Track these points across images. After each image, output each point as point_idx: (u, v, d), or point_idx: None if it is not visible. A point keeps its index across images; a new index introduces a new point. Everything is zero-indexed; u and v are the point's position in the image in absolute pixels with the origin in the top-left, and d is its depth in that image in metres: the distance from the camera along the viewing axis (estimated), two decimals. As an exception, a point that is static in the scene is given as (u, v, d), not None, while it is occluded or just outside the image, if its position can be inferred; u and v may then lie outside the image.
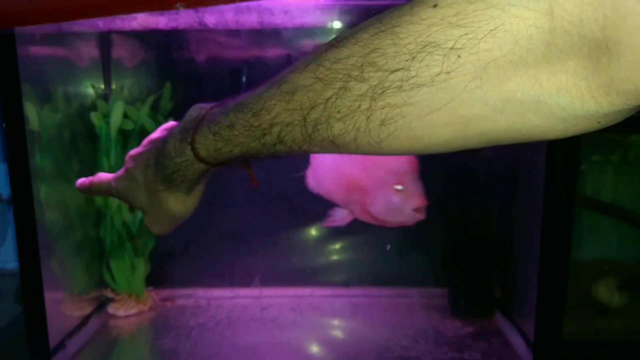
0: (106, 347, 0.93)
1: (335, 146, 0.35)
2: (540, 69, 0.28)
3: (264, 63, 1.05)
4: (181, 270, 1.12)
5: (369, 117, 0.33)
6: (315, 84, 0.34)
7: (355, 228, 1.12)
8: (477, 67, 0.29)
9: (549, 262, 0.81)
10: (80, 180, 0.53)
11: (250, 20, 0.95)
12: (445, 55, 0.29)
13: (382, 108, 0.32)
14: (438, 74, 0.30)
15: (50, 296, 0.81)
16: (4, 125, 0.75)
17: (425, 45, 0.30)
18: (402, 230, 1.12)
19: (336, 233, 1.12)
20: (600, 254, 0.96)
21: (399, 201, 0.72)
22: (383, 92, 0.32)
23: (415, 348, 0.91)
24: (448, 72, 0.30)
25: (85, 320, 0.97)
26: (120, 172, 0.50)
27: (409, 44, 0.30)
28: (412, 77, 0.30)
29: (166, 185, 0.45)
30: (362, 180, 0.75)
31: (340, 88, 0.33)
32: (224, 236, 1.10)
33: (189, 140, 0.41)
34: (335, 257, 1.13)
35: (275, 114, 0.36)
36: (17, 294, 1.02)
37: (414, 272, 1.12)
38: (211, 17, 0.90)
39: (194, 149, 0.41)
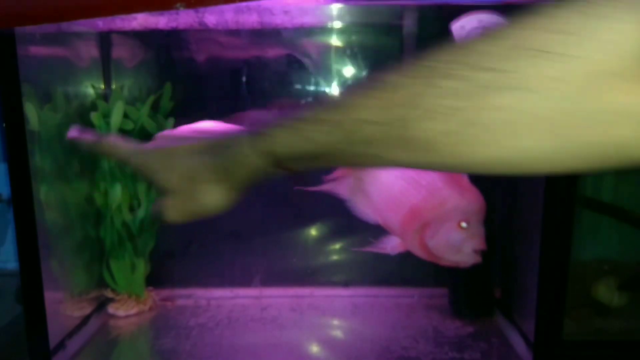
0: (106, 347, 0.93)
1: (424, 150, 0.34)
2: None
3: (264, 63, 1.05)
4: (181, 270, 1.12)
5: (465, 119, 0.32)
6: (410, 82, 0.33)
7: (355, 228, 1.12)
8: (583, 77, 0.29)
9: (549, 262, 0.81)
10: (81, 132, 0.50)
11: (250, 20, 0.95)
12: (553, 61, 0.29)
13: (481, 109, 0.31)
14: (543, 80, 0.30)
15: (50, 296, 0.81)
16: (4, 125, 0.75)
17: (536, 50, 0.30)
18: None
19: (336, 233, 1.12)
20: (600, 254, 0.96)
21: (461, 239, 0.68)
22: (485, 92, 0.31)
23: (415, 348, 0.91)
24: (554, 79, 0.30)
25: (85, 320, 0.97)
26: (151, 145, 0.48)
27: (519, 47, 0.30)
28: (518, 79, 0.30)
29: (219, 175, 0.44)
30: (426, 211, 0.71)
31: (438, 86, 0.32)
32: (224, 236, 1.10)
33: (262, 132, 0.40)
34: (335, 257, 1.13)
35: (363, 109, 0.35)
36: (17, 294, 1.02)
37: (414, 272, 1.12)
38: (211, 17, 0.90)
39: (266, 141, 0.40)
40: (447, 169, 0.36)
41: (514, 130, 0.32)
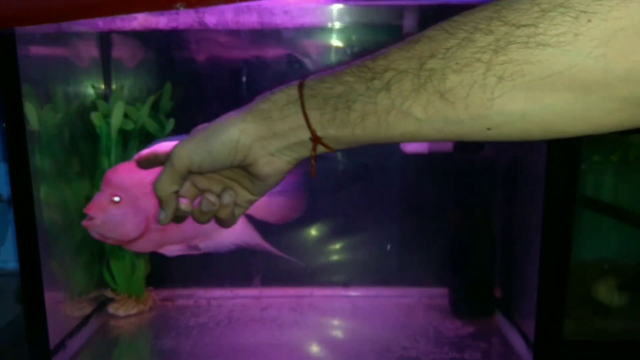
0: (106, 347, 0.93)
1: (443, 100, 0.35)
2: None
3: (264, 63, 1.05)
4: (181, 270, 1.12)
5: (486, 72, 0.33)
6: (439, 35, 0.34)
7: (355, 228, 1.12)
8: (604, 34, 0.30)
9: (549, 262, 0.81)
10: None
11: (250, 20, 0.95)
12: (575, 17, 0.30)
13: (503, 63, 0.32)
14: (564, 34, 0.30)
15: (50, 296, 0.81)
16: (4, 125, 0.75)
17: (558, 6, 0.31)
18: (402, 230, 1.12)
19: (336, 233, 1.12)
20: (600, 254, 0.95)
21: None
22: (507, 46, 0.32)
23: (415, 348, 0.91)
24: (575, 34, 0.30)
25: (85, 320, 0.97)
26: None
27: (542, 3, 0.31)
28: (539, 34, 0.31)
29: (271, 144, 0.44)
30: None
31: (463, 39, 0.33)
32: (224, 236, 1.10)
33: (302, 82, 0.41)
34: (335, 257, 1.13)
35: (391, 60, 0.36)
36: (17, 294, 1.02)
37: (414, 272, 1.12)
38: (211, 17, 0.90)
39: (305, 87, 0.41)
40: (464, 129, 0.36)
41: (544, 85, 0.32)
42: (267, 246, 0.72)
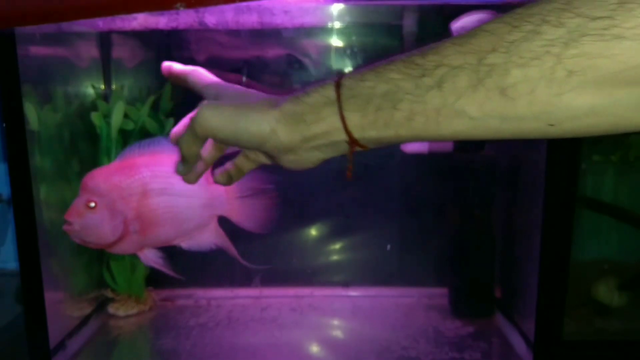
0: (106, 347, 0.93)
1: (503, 97, 0.32)
2: None
3: (264, 63, 1.05)
4: (181, 271, 1.11)
5: (555, 66, 0.30)
6: (501, 28, 0.32)
7: (355, 228, 1.12)
8: None
9: (549, 262, 0.81)
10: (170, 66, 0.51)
11: (250, 20, 0.95)
12: None
13: (574, 57, 0.30)
14: None
15: (50, 296, 0.81)
16: (4, 125, 0.75)
17: None
18: (402, 230, 1.12)
19: (336, 233, 1.12)
20: (600, 254, 0.96)
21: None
22: (579, 38, 0.30)
23: (415, 348, 0.91)
24: None
25: (85, 320, 0.97)
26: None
27: None
28: (615, 26, 0.29)
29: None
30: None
31: (529, 31, 0.31)
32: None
33: (345, 76, 0.39)
34: (335, 257, 1.13)
35: (444, 55, 0.34)
36: (17, 294, 1.02)
37: (414, 272, 1.12)
38: (211, 17, 0.90)
39: (346, 84, 0.38)
40: (524, 126, 0.34)
41: (618, 80, 0.30)
42: (233, 250, 0.72)
